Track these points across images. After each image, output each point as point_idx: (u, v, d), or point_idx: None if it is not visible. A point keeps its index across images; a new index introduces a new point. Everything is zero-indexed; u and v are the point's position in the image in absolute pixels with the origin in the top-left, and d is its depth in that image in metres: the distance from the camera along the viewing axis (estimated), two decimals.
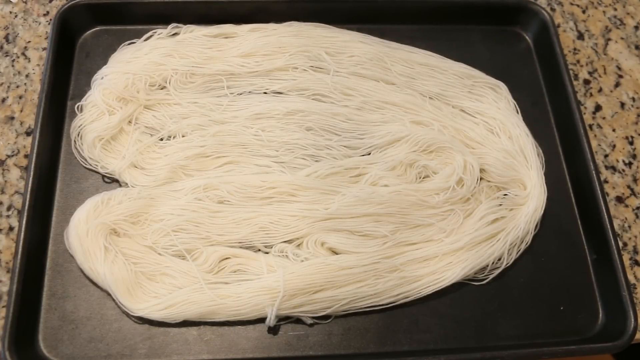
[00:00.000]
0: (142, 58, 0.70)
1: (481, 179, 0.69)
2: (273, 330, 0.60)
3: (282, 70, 0.72)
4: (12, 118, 0.70)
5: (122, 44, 0.73)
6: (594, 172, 0.68)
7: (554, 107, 0.76)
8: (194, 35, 0.73)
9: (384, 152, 0.68)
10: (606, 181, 0.73)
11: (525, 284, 0.65)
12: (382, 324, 0.61)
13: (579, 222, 0.69)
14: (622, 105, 0.79)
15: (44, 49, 0.75)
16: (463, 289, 0.64)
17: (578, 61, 0.81)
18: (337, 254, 0.63)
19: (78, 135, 0.67)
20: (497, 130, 0.71)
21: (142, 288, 0.59)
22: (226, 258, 0.62)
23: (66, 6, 0.72)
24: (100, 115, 0.67)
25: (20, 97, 0.72)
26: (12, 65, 0.74)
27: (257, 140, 0.67)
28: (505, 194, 0.68)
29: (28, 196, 0.61)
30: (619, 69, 0.81)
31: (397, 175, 0.67)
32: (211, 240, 0.62)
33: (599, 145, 0.75)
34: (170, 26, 0.74)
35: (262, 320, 0.59)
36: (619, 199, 0.72)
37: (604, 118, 0.77)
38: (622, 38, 0.84)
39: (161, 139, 0.68)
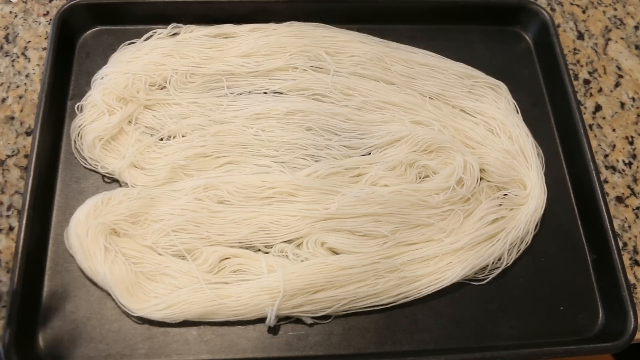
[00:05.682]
0: (142, 58, 0.70)
1: (481, 179, 0.69)
2: (273, 330, 0.60)
3: (282, 70, 0.72)
4: (12, 118, 0.70)
5: (122, 44, 0.73)
6: (594, 172, 0.68)
7: (554, 107, 0.76)
8: (194, 35, 0.73)
9: (384, 152, 0.68)
10: (606, 181, 0.73)
11: (525, 284, 0.65)
12: (382, 324, 0.61)
13: (579, 222, 0.69)
14: (622, 105, 0.79)
15: (44, 49, 0.75)
16: (463, 289, 0.64)
17: (578, 61, 0.81)
18: (337, 254, 0.63)
19: (78, 135, 0.67)
20: (497, 130, 0.71)
21: (142, 288, 0.59)
22: (226, 258, 0.62)
23: (66, 6, 0.72)
24: (100, 115, 0.67)
25: (20, 97, 0.72)
26: (12, 65, 0.74)
27: (257, 140, 0.67)
28: (505, 194, 0.68)
29: (28, 196, 0.61)
30: (619, 69, 0.81)
31: (397, 175, 0.67)
32: (211, 240, 0.62)
33: (599, 145, 0.75)
34: (170, 26, 0.74)
35: (262, 320, 0.59)
36: (619, 199, 0.72)
37: (604, 118, 0.77)
38: (622, 38, 0.84)
39: (161, 139, 0.68)
